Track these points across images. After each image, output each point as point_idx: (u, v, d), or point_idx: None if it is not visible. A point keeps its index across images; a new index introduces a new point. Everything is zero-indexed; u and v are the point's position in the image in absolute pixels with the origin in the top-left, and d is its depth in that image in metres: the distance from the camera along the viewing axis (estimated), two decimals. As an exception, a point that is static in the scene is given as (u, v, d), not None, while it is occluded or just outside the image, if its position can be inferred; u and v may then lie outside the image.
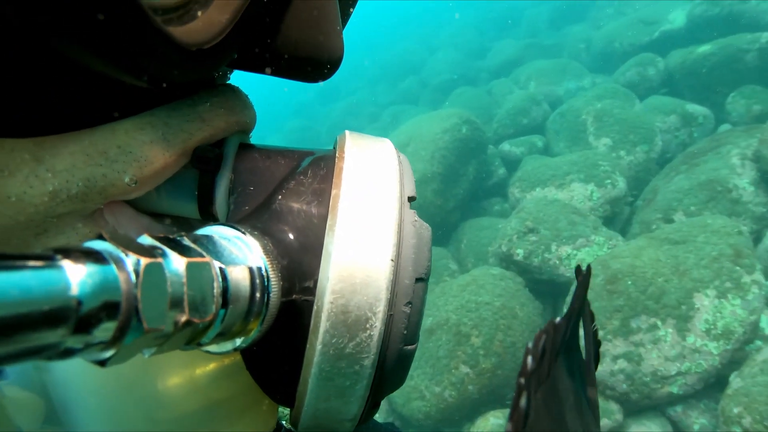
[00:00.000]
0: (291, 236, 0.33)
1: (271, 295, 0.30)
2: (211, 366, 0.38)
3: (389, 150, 0.37)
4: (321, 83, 0.40)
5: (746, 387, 2.42)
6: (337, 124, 10.09)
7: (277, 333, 0.32)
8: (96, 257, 0.20)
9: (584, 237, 3.71)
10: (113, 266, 0.20)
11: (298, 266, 0.32)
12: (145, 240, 0.24)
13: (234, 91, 0.38)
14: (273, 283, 0.30)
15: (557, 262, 3.65)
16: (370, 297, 0.31)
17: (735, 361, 2.74)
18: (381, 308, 0.31)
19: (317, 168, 0.35)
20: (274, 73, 0.37)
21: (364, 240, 0.31)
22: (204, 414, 0.38)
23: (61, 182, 0.30)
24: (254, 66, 0.36)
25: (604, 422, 2.92)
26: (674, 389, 2.79)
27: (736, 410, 2.36)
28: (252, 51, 0.35)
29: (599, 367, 3.00)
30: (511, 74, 7.40)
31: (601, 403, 3.00)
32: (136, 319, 0.21)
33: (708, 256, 2.99)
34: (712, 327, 2.76)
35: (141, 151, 0.32)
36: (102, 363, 0.22)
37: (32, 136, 0.29)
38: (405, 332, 0.33)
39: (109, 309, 0.20)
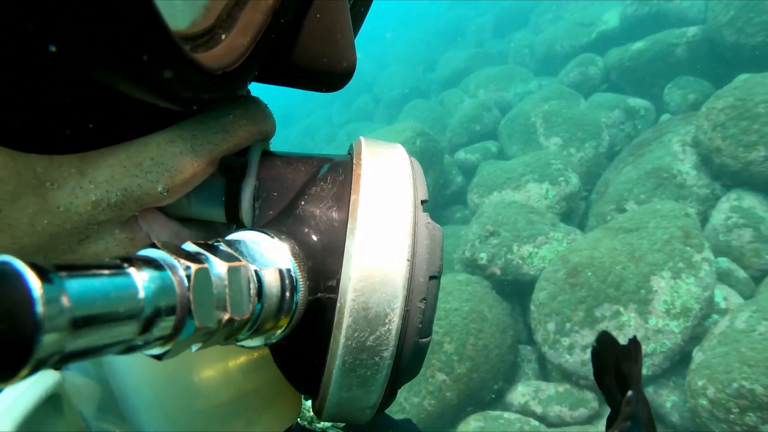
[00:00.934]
0: (314, 239, 0.36)
1: (299, 293, 0.33)
2: (242, 359, 0.41)
3: (402, 156, 0.40)
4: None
5: (707, 360, 2.55)
6: (295, 146, 10.12)
7: (303, 328, 0.35)
8: (155, 265, 0.23)
9: (543, 235, 3.84)
10: (168, 272, 0.23)
11: (322, 267, 0.35)
12: (190, 247, 0.27)
13: (255, 102, 0.41)
14: (300, 283, 0.34)
15: (520, 261, 3.76)
16: (389, 294, 0.34)
17: (695, 336, 2.88)
18: (398, 304, 0.34)
19: (336, 174, 0.38)
20: (290, 84, 0.40)
21: (382, 242, 0.34)
22: (236, 404, 0.41)
23: (102, 192, 0.34)
24: (271, 78, 0.39)
25: (581, 411, 3.00)
26: (643, 371, 2.90)
27: (700, 383, 2.49)
28: (270, 65, 0.38)
29: (571, 359, 3.11)
30: (460, 84, 7.64)
31: (576, 392, 3.09)
32: (189, 318, 0.23)
33: (660, 240, 3.16)
34: (671, 307, 2.91)
35: (172, 162, 0.35)
36: (159, 357, 0.24)
37: (77, 152, 0.33)
38: (420, 326, 0.36)
39: (168, 311, 0.22)
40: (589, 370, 3.02)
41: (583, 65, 5.90)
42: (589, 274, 3.21)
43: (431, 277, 0.36)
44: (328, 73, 0.39)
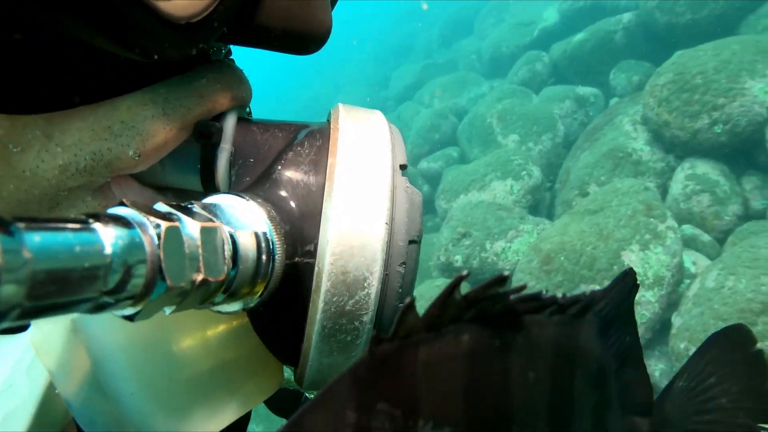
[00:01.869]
0: (291, 203, 0.36)
1: (276, 257, 0.33)
2: (221, 328, 0.41)
3: (381, 121, 0.40)
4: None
5: (686, 322, 2.64)
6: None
7: (281, 294, 0.35)
8: (123, 221, 0.22)
9: (514, 229, 3.92)
10: (138, 230, 0.22)
11: (299, 231, 0.35)
12: (162, 207, 0.27)
13: (230, 66, 0.41)
14: (277, 246, 0.33)
15: (495, 258, 3.83)
16: (367, 258, 0.34)
17: (672, 303, 2.97)
18: (377, 268, 0.34)
19: (313, 139, 0.38)
20: (263, 46, 0.39)
21: (360, 205, 0.34)
22: (215, 373, 0.40)
23: (70, 156, 0.33)
24: (244, 40, 0.38)
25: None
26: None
27: (682, 345, 2.56)
28: (241, 24, 0.37)
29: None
30: (414, 96, 7.81)
31: (567, 379, 3.13)
32: (160, 277, 0.23)
33: (624, 216, 3.27)
34: (644, 278, 3.00)
35: (143, 125, 0.34)
36: (130, 318, 0.24)
37: (41, 112, 0.32)
38: (400, 290, 0.36)
39: (136, 267, 0.22)
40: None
41: (530, 63, 6.12)
42: (562, 258, 3.29)
43: (411, 242, 0.36)
44: (301, 35, 0.38)
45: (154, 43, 0.29)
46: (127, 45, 0.28)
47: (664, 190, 3.77)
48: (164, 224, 0.24)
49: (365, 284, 0.34)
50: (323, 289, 0.34)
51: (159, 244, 0.23)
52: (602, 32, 5.33)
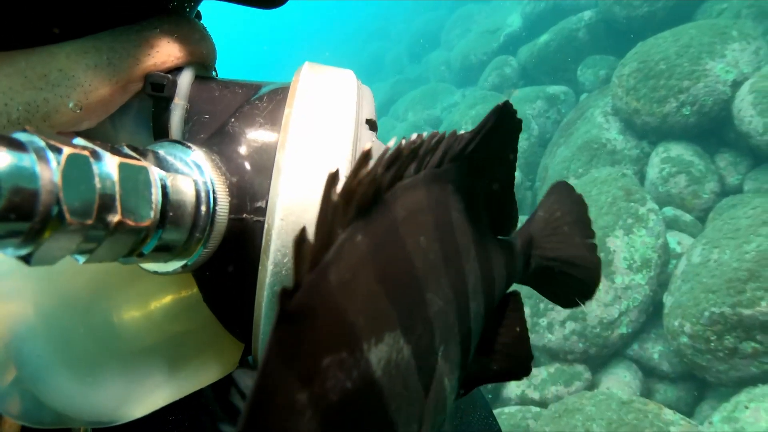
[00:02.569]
0: (243, 156, 0.33)
1: (218, 210, 0.30)
2: (168, 299, 0.37)
3: (348, 75, 0.37)
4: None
5: (677, 300, 2.66)
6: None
7: (230, 258, 0.31)
8: (14, 144, 0.20)
9: (500, 227, 3.95)
10: (33, 154, 0.20)
11: (250, 186, 0.32)
12: (78, 141, 0.24)
13: (188, 20, 0.38)
14: (220, 197, 0.30)
15: (484, 257, 3.84)
16: None
17: (662, 283, 3.01)
18: None
19: (274, 94, 0.36)
20: None
21: (318, 156, 0.31)
22: (158, 348, 0.36)
23: (0, 106, 0.30)
24: None
25: (576, 385, 3.02)
26: (623, 330, 2.99)
27: (676, 323, 2.58)
28: None
29: (553, 337, 3.15)
30: (389, 112, 7.90)
31: (567, 369, 3.12)
32: (58, 209, 0.20)
33: (605, 204, 3.32)
34: (632, 261, 3.03)
35: (85, 76, 0.31)
36: (26, 260, 0.21)
37: None
38: None
39: (25, 196, 0.19)
40: (572, 342, 3.08)
41: (498, 68, 6.25)
42: (550, 251, 3.32)
43: None
44: None
45: None
46: None
47: (641, 176, 3.84)
48: (67, 150, 0.21)
49: None
50: (273, 248, 0.30)
51: (58, 171, 0.20)
52: (565, 31, 5.48)
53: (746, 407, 2.17)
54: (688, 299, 2.57)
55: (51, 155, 0.20)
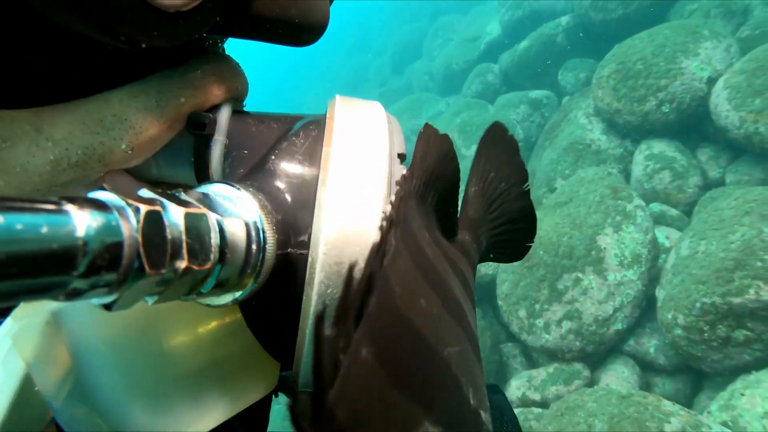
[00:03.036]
0: (285, 193, 0.35)
1: (267, 247, 0.32)
2: (213, 324, 0.39)
3: (378, 109, 0.39)
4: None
5: (669, 293, 2.72)
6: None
7: (274, 288, 0.33)
8: (99, 205, 0.21)
9: (491, 231, 4.00)
10: (116, 213, 0.22)
11: (293, 221, 0.34)
12: (145, 193, 0.26)
13: (225, 59, 0.40)
14: (268, 235, 0.32)
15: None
16: (363, 247, 0.32)
17: (653, 278, 3.06)
18: None
19: (309, 130, 0.37)
20: (261, 38, 0.38)
21: (356, 193, 0.33)
22: (205, 371, 0.39)
23: (62, 151, 0.32)
24: (241, 31, 0.37)
25: (576, 383, 3.06)
26: (618, 326, 3.03)
27: (669, 316, 2.63)
28: (237, 15, 0.36)
29: (550, 337, 3.19)
30: (376, 123, 7.97)
31: (566, 368, 3.16)
32: (138, 262, 0.22)
33: (593, 203, 3.38)
34: (623, 258, 3.09)
35: (136, 118, 0.34)
36: (108, 307, 0.23)
37: (30, 107, 0.31)
38: None
39: (112, 252, 0.21)
40: (570, 341, 3.12)
41: (481, 75, 6.36)
42: (541, 252, 3.37)
43: None
44: (299, 25, 0.38)
45: (140, 30, 0.29)
46: (112, 32, 0.27)
47: (627, 174, 3.92)
48: (144, 208, 0.23)
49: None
50: (317, 280, 0.32)
51: (138, 229, 0.22)
52: (544, 37, 5.60)
53: (742, 394, 2.21)
54: (679, 291, 2.63)
55: (130, 213, 0.22)
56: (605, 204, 3.32)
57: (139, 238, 0.22)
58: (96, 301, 0.23)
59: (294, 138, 0.37)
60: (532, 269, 3.34)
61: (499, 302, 3.52)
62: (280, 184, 0.35)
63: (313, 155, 0.36)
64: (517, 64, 5.89)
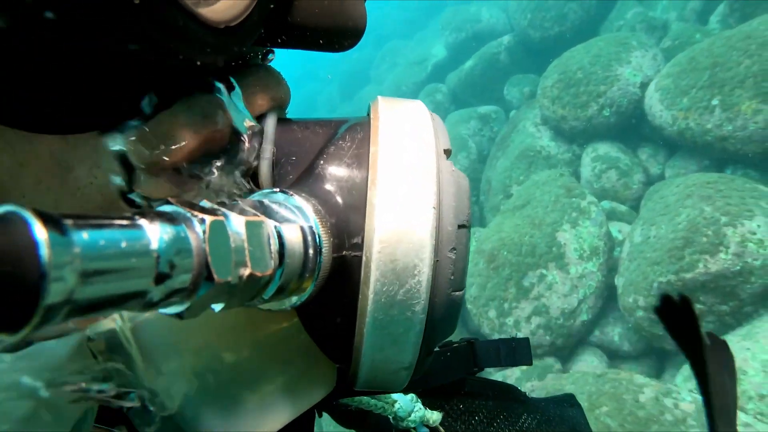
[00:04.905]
0: (337, 196, 0.35)
1: (322, 251, 0.33)
2: (272, 328, 0.41)
3: (421, 107, 0.40)
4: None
5: (628, 279, 2.91)
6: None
7: (330, 290, 0.34)
8: (168, 217, 0.22)
9: (455, 239, 4.13)
10: (183, 225, 0.23)
11: (346, 224, 0.35)
12: (206, 204, 0.27)
13: (267, 69, 0.41)
14: (324, 240, 0.33)
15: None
16: (416, 244, 0.33)
17: (611, 268, 3.26)
18: (427, 254, 0.33)
19: (354, 133, 0.38)
20: (302, 46, 0.39)
21: (406, 191, 0.33)
22: (268, 373, 0.40)
23: (120, 170, 0.34)
24: (282, 41, 0.39)
25: (549, 377, 3.18)
26: (584, 317, 3.19)
27: (630, 299, 2.81)
28: (278, 25, 0.37)
29: (521, 335, 3.30)
30: (329, 147, 8.08)
31: (538, 363, 3.28)
32: (207, 271, 0.23)
33: (550, 203, 3.58)
34: (582, 251, 3.28)
35: (185, 133, 0.35)
36: (180, 315, 0.24)
37: (89, 131, 0.33)
38: (452, 277, 0.35)
39: (184, 262, 0.22)
40: (540, 336, 3.24)
41: (430, 95, 6.63)
42: (505, 253, 3.51)
43: (460, 226, 0.35)
44: (338, 31, 0.38)
45: (196, 48, 0.30)
46: (171, 52, 0.29)
47: (577, 176, 4.18)
48: (209, 218, 0.24)
49: (415, 272, 0.33)
50: (372, 278, 0.33)
51: (204, 239, 0.23)
52: (488, 56, 5.93)
53: (703, 363, 2.38)
54: (637, 275, 2.82)
55: (196, 223, 0.23)
56: (561, 202, 3.52)
57: (207, 248, 0.23)
58: (168, 310, 0.24)
59: (340, 142, 0.38)
60: (498, 270, 3.48)
61: (468, 306, 3.62)
62: (331, 188, 0.36)
63: (360, 157, 0.37)
64: (464, 83, 6.19)
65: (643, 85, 3.90)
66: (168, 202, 0.24)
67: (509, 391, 0.68)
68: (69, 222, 0.18)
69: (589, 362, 3.21)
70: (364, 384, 0.38)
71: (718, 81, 3.22)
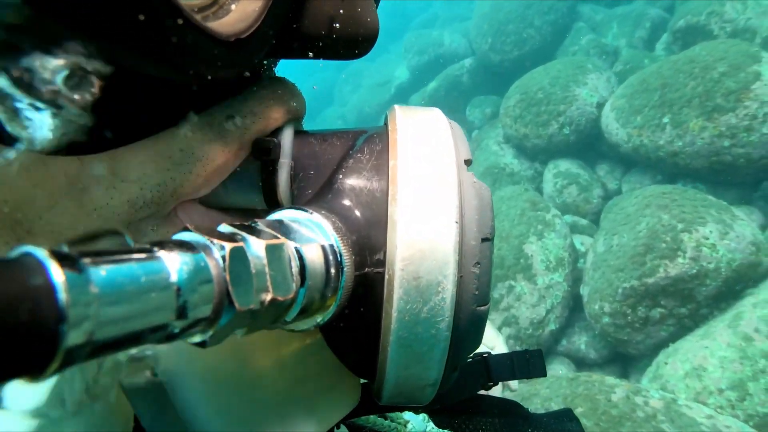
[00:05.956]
0: (357, 212, 0.35)
1: (344, 269, 0.32)
2: (295, 346, 0.40)
3: (440, 117, 0.39)
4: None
5: (593, 287, 3.05)
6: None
7: (353, 307, 0.34)
8: (187, 246, 0.22)
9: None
10: (203, 254, 0.22)
11: (367, 240, 0.34)
12: (225, 228, 0.26)
13: (281, 81, 0.41)
14: (345, 258, 0.32)
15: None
16: (439, 260, 0.32)
17: (577, 278, 3.41)
18: (450, 271, 0.32)
19: (373, 144, 0.37)
20: (315, 56, 0.38)
21: (427, 205, 0.33)
22: (292, 391, 0.40)
23: (137, 191, 0.34)
24: (293, 51, 0.38)
25: (521, 387, 3.26)
26: (552, 326, 3.31)
27: (596, 306, 2.95)
28: (289, 36, 0.36)
29: (492, 345, 3.40)
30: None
31: (510, 373, 3.35)
32: (228, 300, 0.23)
33: (516, 216, 3.73)
34: (549, 262, 3.42)
35: (202, 150, 0.35)
36: (202, 345, 0.24)
37: (105, 150, 0.33)
38: (476, 293, 0.34)
39: (204, 292, 0.22)
40: (510, 346, 3.33)
41: (394, 115, 6.79)
42: (475, 266, 3.62)
43: (483, 240, 0.35)
44: (350, 39, 0.38)
45: (206, 63, 0.29)
46: (182, 69, 0.28)
47: (539, 192, 4.37)
48: (228, 246, 0.23)
49: (439, 288, 0.32)
50: (396, 297, 0.32)
51: (225, 267, 0.23)
52: (450, 77, 6.16)
53: (666, 363, 2.53)
54: (602, 283, 2.97)
55: (215, 251, 0.23)
56: (527, 216, 3.67)
57: (227, 276, 0.23)
58: (190, 340, 0.23)
59: (359, 154, 0.37)
60: (469, 282, 3.57)
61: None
62: (350, 203, 0.35)
63: (380, 170, 0.36)
64: (427, 104, 6.33)
65: (599, 105, 4.16)
66: (186, 229, 0.24)
67: (514, 408, 0.68)
68: (87, 261, 0.18)
69: (558, 371, 3.32)
70: (389, 400, 0.37)
71: (667, 101, 3.48)
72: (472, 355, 0.67)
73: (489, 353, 0.66)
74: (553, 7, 5.67)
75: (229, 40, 0.29)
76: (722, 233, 2.64)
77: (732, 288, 2.63)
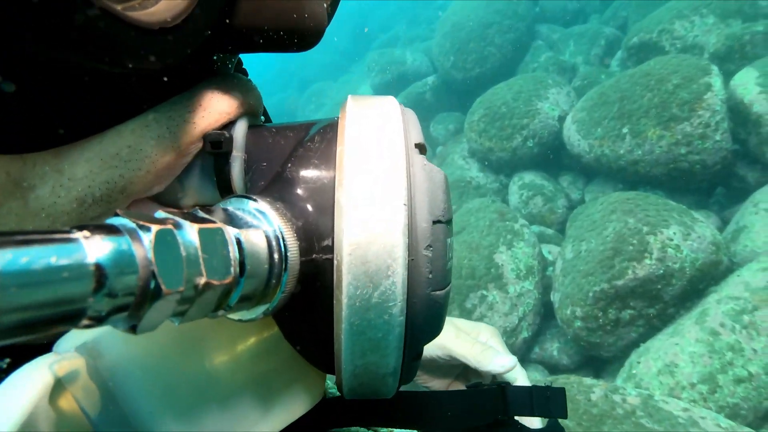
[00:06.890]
0: (305, 199, 0.35)
1: (289, 254, 0.32)
2: (252, 341, 0.39)
3: (391, 102, 0.39)
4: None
5: (564, 292, 3.11)
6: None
7: (305, 297, 0.34)
8: (110, 230, 0.21)
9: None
10: (127, 236, 0.22)
11: (315, 227, 0.34)
12: (161, 214, 0.26)
13: (233, 76, 0.41)
14: (289, 243, 0.32)
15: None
16: (387, 243, 0.32)
17: (546, 285, 3.47)
18: (400, 253, 0.32)
19: (324, 133, 0.37)
20: (259, 49, 0.38)
21: (374, 189, 0.33)
22: (247, 388, 0.39)
23: (84, 188, 0.33)
24: (236, 44, 0.37)
25: (497, 396, 3.26)
26: (525, 334, 3.35)
27: (568, 311, 3.00)
28: (230, 28, 0.36)
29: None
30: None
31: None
32: (155, 282, 0.22)
33: (485, 227, 3.79)
34: (519, 271, 3.47)
35: (150, 147, 0.35)
36: (132, 330, 0.23)
37: (48, 149, 0.32)
38: (430, 276, 0.34)
39: (126, 274, 0.21)
40: (485, 356, 3.35)
41: (358, 133, 6.83)
42: (447, 277, 3.64)
43: (435, 222, 0.34)
44: (294, 32, 0.37)
45: (128, 53, 0.28)
46: (107, 61, 0.27)
47: (506, 204, 4.47)
48: (155, 227, 0.23)
49: (389, 272, 0.32)
50: (345, 282, 0.32)
51: (150, 248, 0.22)
52: (414, 95, 6.27)
53: (638, 362, 2.59)
54: (572, 288, 3.03)
55: (142, 234, 0.22)
56: (495, 226, 3.74)
57: (152, 258, 0.22)
58: (119, 325, 0.23)
59: (309, 144, 0.37)
60: (441, 294, 3.58)
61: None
62: (300, 191, 0.35)
63: (329, 157, 0.36)
64: (392, 121, 6.47)
65: (561, 118, 4.31)
66: (116, 215, 0.23)
67: None
68: None
69: (533, 378, 3.35)
70: (351, 392, 0.37)
71: (626, 112, 3.64)
72: (488, 383, 0.67)
73: (508, 384, 0.64)
74: (512, 26, 5.89)
75: (153, 28, 0.29)
76: (685, 234, 2.76)
77: (696, 287, 2.74)
